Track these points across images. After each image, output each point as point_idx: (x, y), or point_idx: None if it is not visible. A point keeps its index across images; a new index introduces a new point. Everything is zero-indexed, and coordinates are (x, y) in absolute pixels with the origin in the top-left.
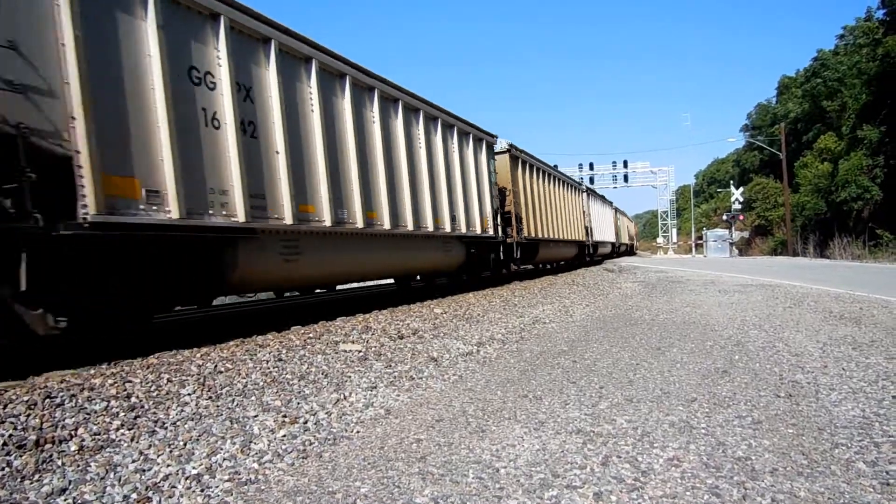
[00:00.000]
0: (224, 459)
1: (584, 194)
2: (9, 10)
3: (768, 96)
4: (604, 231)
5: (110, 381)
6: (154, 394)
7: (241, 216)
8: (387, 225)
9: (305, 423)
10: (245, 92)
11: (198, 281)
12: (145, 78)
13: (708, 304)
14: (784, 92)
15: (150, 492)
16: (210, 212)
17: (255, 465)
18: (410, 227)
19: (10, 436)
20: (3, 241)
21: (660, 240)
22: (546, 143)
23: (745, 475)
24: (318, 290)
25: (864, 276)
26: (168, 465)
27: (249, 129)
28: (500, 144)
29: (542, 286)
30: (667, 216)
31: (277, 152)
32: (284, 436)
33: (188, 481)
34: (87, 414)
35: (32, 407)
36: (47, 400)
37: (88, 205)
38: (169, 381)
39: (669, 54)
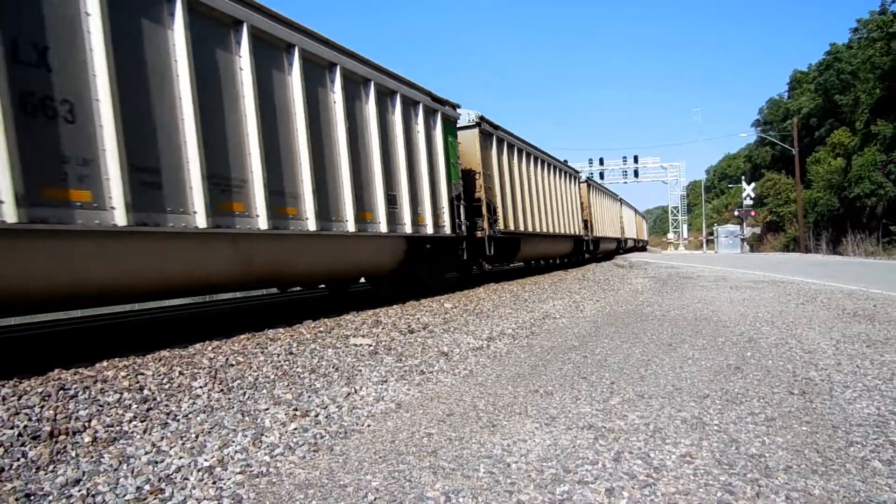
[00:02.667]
0: (236, 452)
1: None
2: None
3: (780, 91)
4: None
5: (123, 374)
6: (166, 386)
7: (522, 228)
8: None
9: (316, 416)
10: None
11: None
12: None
13: (719, 301)
14: (796, 87)
15: (163, 483)
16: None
17: (267, 458)
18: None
19: (25, 426)
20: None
21: (670, 235)
22: (555, 138)
23: (759, 472)
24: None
25: (877, 273)
26: (180, 458)
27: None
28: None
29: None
30: (677, 212)
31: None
32: (296, 429)
33: (200, 473)
34: (101, 406)
35: (47, 398)
36: (61, 391)
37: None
38: (181, 373)
39: (680, 49)
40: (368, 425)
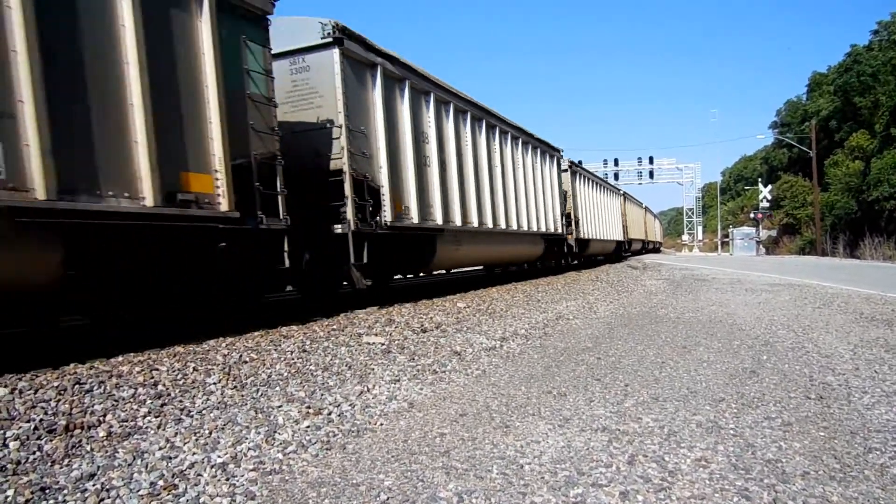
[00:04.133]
0: (249, 449)
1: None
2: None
3: (798, 93)
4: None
5: (137, 369)
6: (180, 382)
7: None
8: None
9: (329, 414)
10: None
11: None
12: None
13: (735, 303)
14: (815, 89)
15: (177, 479)
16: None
17: (280, 456)
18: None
19: (41, 420)
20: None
21: (685, 237)
22: (570, 137)
23: (776, 478)
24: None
25: None
26: (194, 454)
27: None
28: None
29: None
30: (692, 213)
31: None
32: (308, 427)
33: (214, 470)
34: (115, 401)
35: (62, 392)
36: (77, 386)
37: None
38: (195, 369)
39: (698, 49)
40: (381, 424)
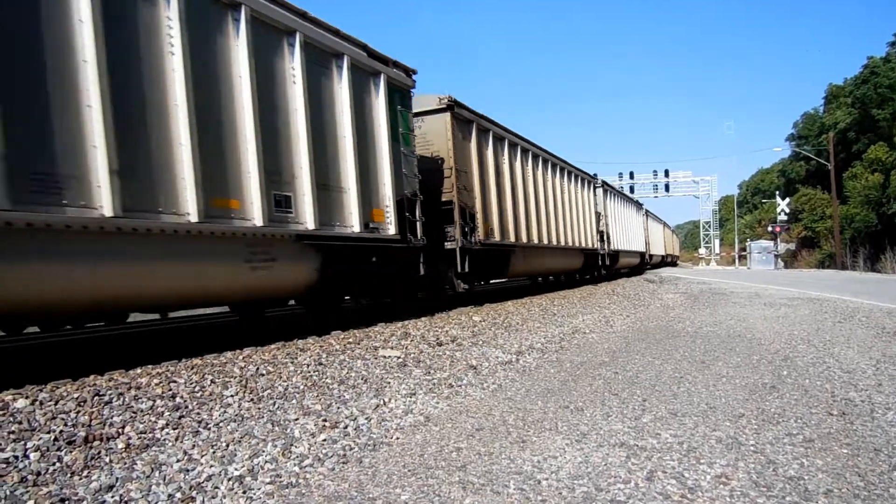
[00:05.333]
0: (266, 462)
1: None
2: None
3: (815, 105)
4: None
5: (156, 381)
6: (198, 394)
7: (513, 239)
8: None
9: (345, 427)
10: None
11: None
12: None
13: (753, 318)
14: (832, 101)
15: (194, 492)
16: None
17: (296, 469)
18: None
19: (62, 431)
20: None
21: (702, 251)
22: (584, 151)
23: (798, 496)
24: None
25: None
26: (211, 466)
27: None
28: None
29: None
30: (709, 227)
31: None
32: (325, 440)
33: (231, 482)
34: (134, 412)
35: (82, 404)
36: (96, 397)
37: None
38: (212, 382)
39: (713, 61)
40: (397, 438)
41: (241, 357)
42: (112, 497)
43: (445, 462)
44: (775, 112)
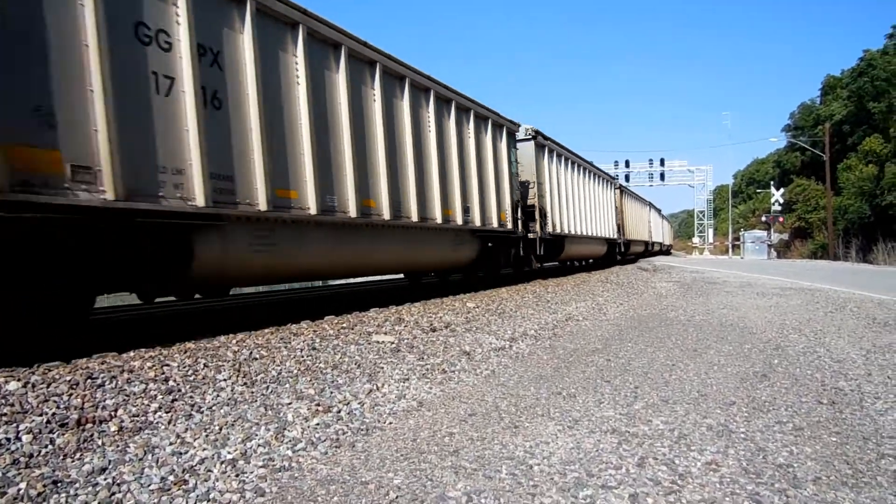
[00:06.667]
0: (258, 446)
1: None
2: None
3: (812, 96)
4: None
5: (149, 364)
6: (191, 378)
7: (567, 230)
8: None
9: (338, 412)
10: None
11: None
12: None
13: (745, 307)
14: (829, 92)
15: (187, 475)
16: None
17: (289, 453)
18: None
19: (54, 414)
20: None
21: (695, 240)
22: (581, 139)
23: (787, 483)
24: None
25: None
26: (204, 449)
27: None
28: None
29: (571, 284)
30: (703, 216)
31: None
32: (318, 424)
33: (223, 466)
34: (127, 395)
35: (75, 387)
36: (89, 380)
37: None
38: (205, 366)
39: (711, 52)
40: (390, 423)
41: (234, 341)
42: (105, 479)
43: (438, 447)
44: (772, 103)
